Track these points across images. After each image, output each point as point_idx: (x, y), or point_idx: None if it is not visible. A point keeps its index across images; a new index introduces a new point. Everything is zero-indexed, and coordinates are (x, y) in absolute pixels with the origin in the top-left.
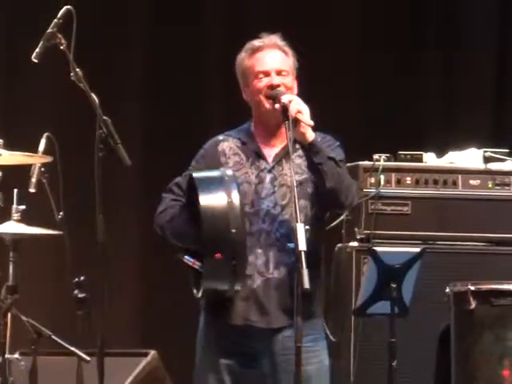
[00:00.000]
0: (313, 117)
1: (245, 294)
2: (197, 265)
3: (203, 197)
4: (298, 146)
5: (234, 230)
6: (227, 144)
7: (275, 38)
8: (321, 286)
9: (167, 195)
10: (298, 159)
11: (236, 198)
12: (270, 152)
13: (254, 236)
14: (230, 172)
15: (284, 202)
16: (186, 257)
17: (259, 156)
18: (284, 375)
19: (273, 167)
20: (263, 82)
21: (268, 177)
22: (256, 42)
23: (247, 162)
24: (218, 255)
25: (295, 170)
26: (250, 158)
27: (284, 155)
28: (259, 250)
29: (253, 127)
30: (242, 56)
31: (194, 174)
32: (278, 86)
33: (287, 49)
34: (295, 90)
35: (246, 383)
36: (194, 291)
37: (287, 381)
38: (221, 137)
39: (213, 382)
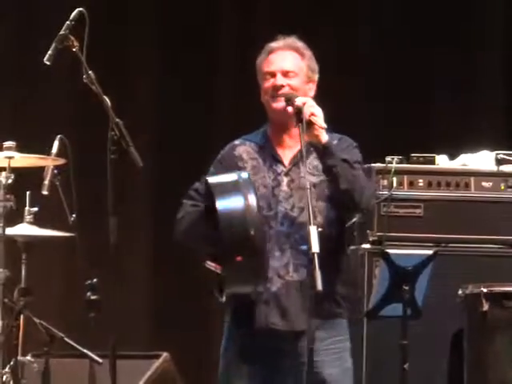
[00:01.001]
0: (326, 119)
1: (265, 298)
2: (219, 269)
3: (220, 201)
4: (312, 148)
5: (252, 232)
6: (244, 148)
7: (291, 40)
8: (346, 286)
9: (186, 201)
10: (316, 161)
11: (252, 199)
12: (287, 154)
13: (273, 239)
14: (245, 174)
15: (302, 205)
16: (207, 262)
17: (276, 159)
18: (302, 375)
19: (289, 170)
20: (269, 83)
21: (285, 180)
22: (271, 44)
23: (264, 166)
24: (238, 258)
25: (312, 172)
26: (267, 162)
27: (301, 157)
28: (277, 253)
29: (268, 130)
30: (259, 58)
31: (210, 180)
32: (282, 86)
33: (304, 51)
34: (310, 93)
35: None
36: (218, 296)
37: (305, 381)
38: (237, 141)
39: None
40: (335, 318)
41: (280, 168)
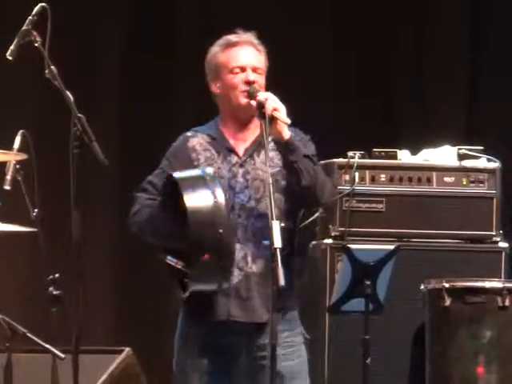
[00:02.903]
0: (288, 114)
1: (226, 290)
2: (180, 264)
3: (188, 198)
4: (270, 139)
5: (221, 231)
6: (197, 140)
7: (250, 36)
8: (295, 279)
9: (141, 194)
10: (271, 152)
11: (221, 197)
12: (241, 146)
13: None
14: (210, 170)
15: (258, 196)
16: (168, 257)
17: (230, 150)
18: (261, 370)
19: (244, 161)
20: (238, 78)
21: (240, 171)
22: (232, 37)
23: (219, 158)
24: (205, 257)
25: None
26: (221, 153)
27: (255, 149)
28: (237, 245)
29: (220, 122)
30: (216, 50)
31: (176, 175)
32: (254, 82)
33: (261, 48)
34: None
35: (227, 380)
36: (179, 292)
37: (263, 376)
38: (189, 133)
39: (192, 382)
40: (289, 311)
41: (234, 159)
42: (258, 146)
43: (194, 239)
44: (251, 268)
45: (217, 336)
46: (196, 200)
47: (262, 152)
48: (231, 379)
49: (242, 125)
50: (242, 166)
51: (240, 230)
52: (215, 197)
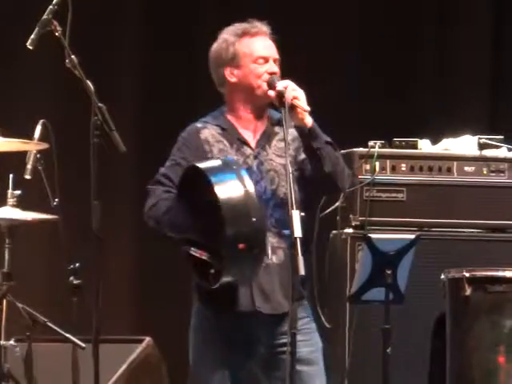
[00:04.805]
0: (308, 104)
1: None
2: (205, 256)
3: (219, 188)
4: (277, 129)
5: (254, 219)
6: (208, 131)
7: (264, 26)
8: (310, 268)
9: (156, 187)
10: (280, 143)
11: (250, 185)
12: (252, 137)
13: None
14: (232, 159)
15: (274, 187)
16: (192, 249)
17: (243, 142)
18: (279, 357)
19: (258, 153)
20: (263, 68)
21: (255, 163)
22: (248, 26)
23: (232, 149)
24: (241, 246)
25: (278, 153)
26: (233, 145)
27: (267, 140)
28: None
29: (228, 113)
30: (233, 38)
31: (201, 165)
32: (276, 74)
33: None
34: None
35: (245, 372)
36: (205, 283)
37: (282, 363)
38: (199, 124)
39: (215, 376)
40: (303, 300)
41: (248, 151)
42: (268, 136)
43: (229, 228)
44: (271, 259)
45: (238, 327)
46: (227, 190)
47: (273, 142)
48: (250, 366)
49: (257, 115)
50: (255, 157)
51: None
52: (245, 185)
